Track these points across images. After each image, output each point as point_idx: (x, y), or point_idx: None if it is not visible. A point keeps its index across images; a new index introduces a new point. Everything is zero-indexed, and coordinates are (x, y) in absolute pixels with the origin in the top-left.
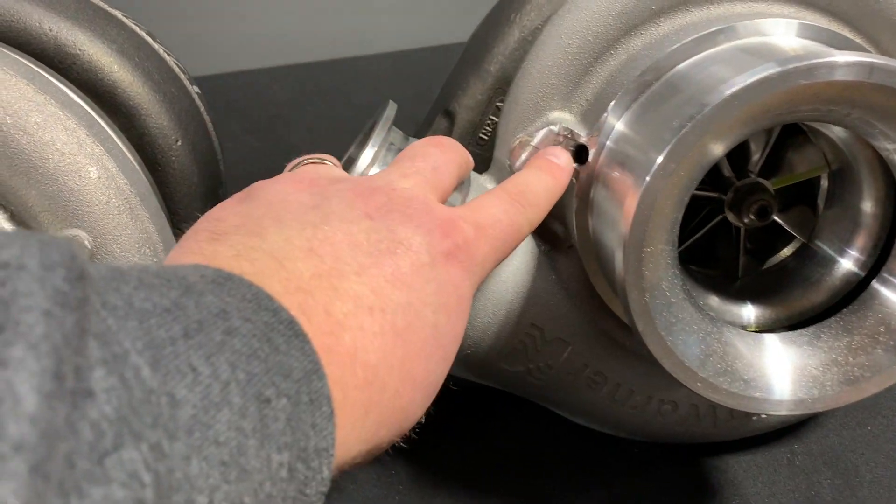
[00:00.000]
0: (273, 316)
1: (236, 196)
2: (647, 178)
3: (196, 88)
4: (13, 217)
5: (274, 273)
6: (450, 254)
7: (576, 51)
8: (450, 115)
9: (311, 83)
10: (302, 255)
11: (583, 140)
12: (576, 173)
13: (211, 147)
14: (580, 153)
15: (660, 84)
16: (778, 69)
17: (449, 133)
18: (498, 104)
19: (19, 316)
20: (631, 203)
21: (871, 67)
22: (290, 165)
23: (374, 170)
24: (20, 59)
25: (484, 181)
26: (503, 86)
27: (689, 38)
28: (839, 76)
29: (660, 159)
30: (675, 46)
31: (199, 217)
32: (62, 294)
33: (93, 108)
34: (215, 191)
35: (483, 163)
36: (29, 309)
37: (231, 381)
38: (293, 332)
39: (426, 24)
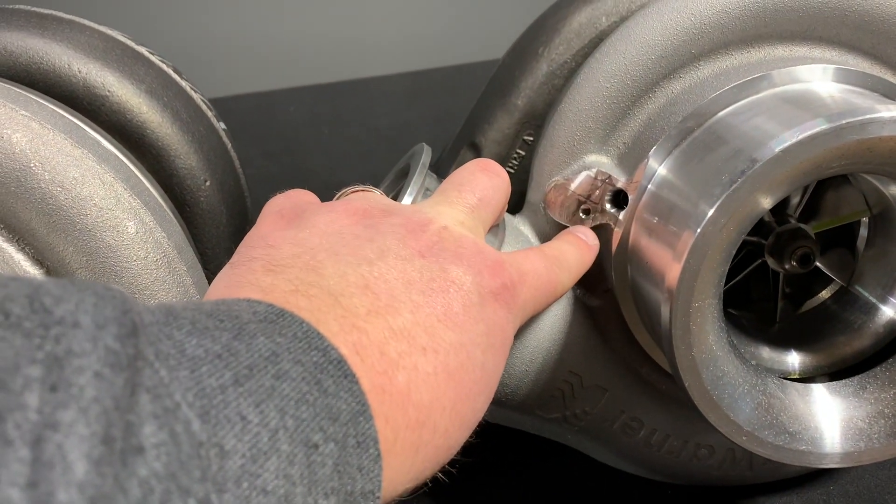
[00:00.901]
0: (323, 356)
1: (285, 214)
2: (698, 231)
3: (222, 125)
4: (49, 272)
5: (330, 310)
6: (497, 294)
7: (614, 94)
8: (476, 148)
9: (326, 105)
10: (358, 292)
11: (621, 185)
12: (614, 218)
13: (238, 185)
14: (618, 198)
15: (702, 131)
16: (828, 125)
17: None
18: (525, 138)
19: (72, 377)
20: (679, 257)
21: None
22: (339, 195)
23: None
24: (57, 109)
25: (517, 222)
26: (530, 119)
27: (731, 85)
28: (888, 132)
29: (711, 212)
30: (716, 93)
31: (225, 259)
32: (114, 354)
33: (123, 153)
34: (243, 229)
35: (512, 197)
36: (81, 370)
37: (279, 428)
38: (342, 372)
39: (442, 43)
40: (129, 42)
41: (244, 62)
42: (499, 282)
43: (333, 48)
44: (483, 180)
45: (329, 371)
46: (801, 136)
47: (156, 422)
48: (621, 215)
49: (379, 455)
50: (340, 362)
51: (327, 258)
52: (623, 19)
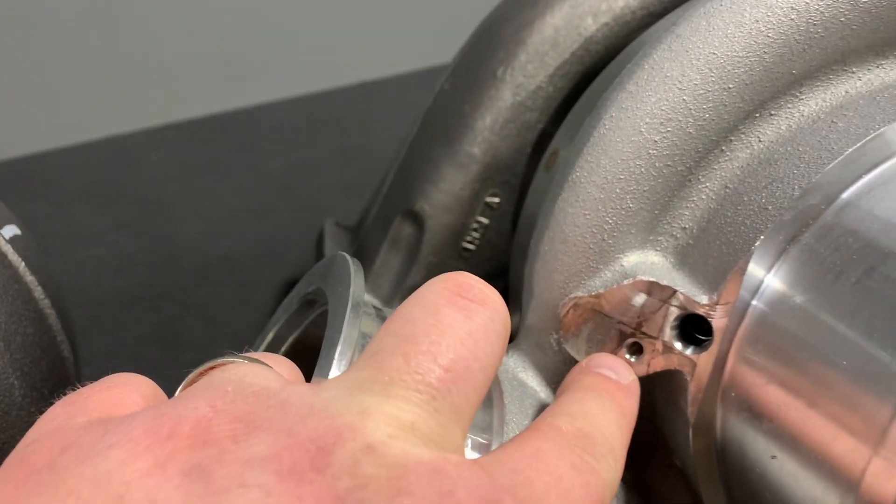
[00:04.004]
0: None
1: (28, 461)
2: None
3: (8, 232)
4: None
5: None
6: None
7: (667, 150)
8: (416, 218)
9: (198, 146)
10: None
11: (703, 307)
12: (688, 363)
13: (43, 325)
14: (691, 326)
15: (837, 219)
16: None
17: (418, 244)
18: (488, 200)
19: None
20: (893, 475)
21: None
22: (184, 383)
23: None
24: None
25: (513, 366)
26: (493, 174)
27: (871, 136)
28: None
29: None
30: (851, 150)
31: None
32: None
33: None
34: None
35: None
36: None
37: None
38: None
39: (346, 57)
40: None
41: (78, 99)
42: None
43: (203, 71)
44: (455, 324)
45: None
46: None
47: None
48: (701, 357)
49: None
50: None
51: None
52: (619, 20)
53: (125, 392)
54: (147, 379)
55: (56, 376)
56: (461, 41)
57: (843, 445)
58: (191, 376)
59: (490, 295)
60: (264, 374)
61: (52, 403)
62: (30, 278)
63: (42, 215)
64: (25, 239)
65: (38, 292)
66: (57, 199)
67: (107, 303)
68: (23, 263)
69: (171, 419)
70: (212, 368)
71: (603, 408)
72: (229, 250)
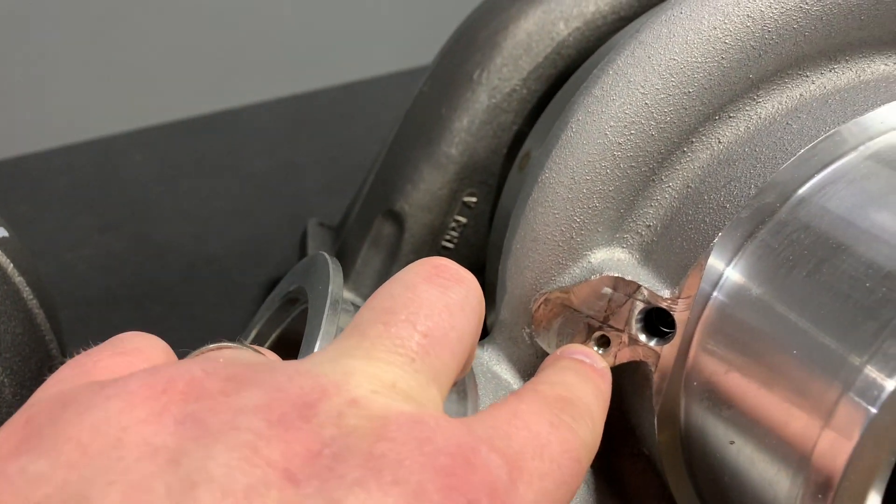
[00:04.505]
0: None
1: (33, 418)
2: (874, 412)
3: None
4: None
5: None
6: None
7: (631, 152)
8: (396, 218)
9: (182, 148)
10: None
11: (666, 301)
12: (653, 354)
13: (31, 325)
14: (654, 319)
15: (792, 216)
16: None
17: (398, 243)
18: (466, 199)
19: None
20: (849, 434)
21: None
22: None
23: None
24: None
25: (487, 359)
26: (470, 174)
27: (822, 137)
28: None
29: (892, 386)
30: (803, 151)
31: None
32: None
33: None
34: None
35: None
36: None
37: None
38: None
39: (329, 57)
40: None
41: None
42: (465, 501)
43: (187, 72)
44: (433, 298)
45: None
46: None
47: None
48: (664, 348)
49: None
50: None
51: None
52: (590, 25)
53: (135, 360)
54: (159, 342)
55: (45, 374)
56: (441, 43)
57: (794, 428)
58: (190, 355)
59: (465, 275)
60: (254, 355)
61: None
62: (18, 279)
63: (28, 217)
64: (13, 241)
65: (27, 293)
66: (42, 200)
67: (93, 303)
68: (11, 265)
69: (165, 377)
70: (208, 351)
71: (581, 379)
72: (214, 250)
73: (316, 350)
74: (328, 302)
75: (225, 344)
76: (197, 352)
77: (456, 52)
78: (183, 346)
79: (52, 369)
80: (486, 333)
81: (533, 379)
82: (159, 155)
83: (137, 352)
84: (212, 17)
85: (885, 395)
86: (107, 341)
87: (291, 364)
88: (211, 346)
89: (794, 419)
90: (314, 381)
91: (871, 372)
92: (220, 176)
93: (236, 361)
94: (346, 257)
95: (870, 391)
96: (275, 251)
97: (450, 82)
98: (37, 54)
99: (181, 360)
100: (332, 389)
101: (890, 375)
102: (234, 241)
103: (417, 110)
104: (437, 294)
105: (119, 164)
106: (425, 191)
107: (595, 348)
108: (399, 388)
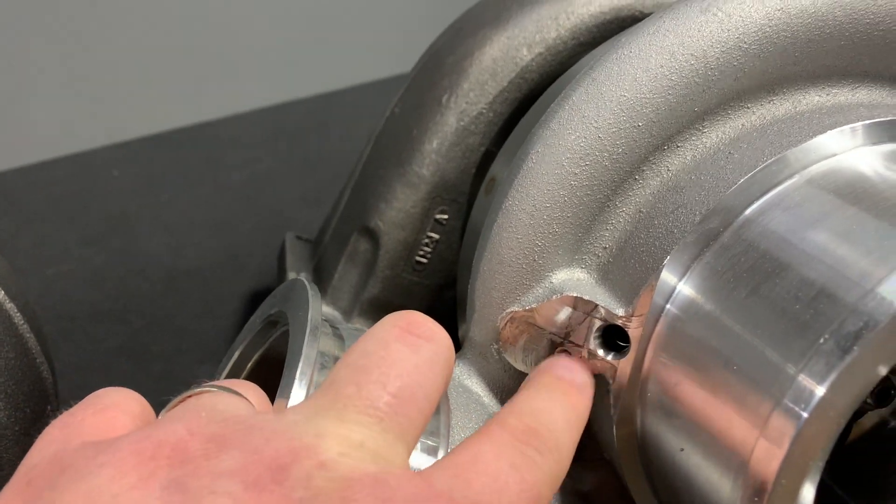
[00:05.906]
0: None
1: (32, 482)
2: (805, 416)
3: (9, 303)
4: None
5: None
6: None
7: (586, 181)
8: (371, 235)
9: (161, 161)
10: None
11: (621, 318)
12: (610, 368)
13: (24, 353)
14: (613, 336)
15: (735, 239)
16: None
17: (374, 259)
18: (437, 217)
19: None
20: (779, 441)
21: None
22: (167, 408)
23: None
24: None
25: (459, 373)
26: (441, 193)
27: (760, 167)
28: None
29: (821, 392)
30: (743, 179)
31: None
32: None
33: None
34: (40, 418)
35: (427, 294)
36: None
37: None
38: None
39: (304, 69)
40: None
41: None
42: None
43: (164, 85)
44: (403, 358)
45: None
46: None
47: None
48: (621, 362)
49: None
50: None
51: None
52: (552, 50)
53: (116, 414)
54: (134, 395)
55: (37, 396)
56: (417, 53)
57: (735, 436)
58: (172, 403)
59: (437, 332)
60: (234, 401)
61: (34, 421)
62: (9, 305)
63: (8, 232)
64: (2, 265)
65: (18, 318)
66: (23, 216)
67: (77, 317)
68: (2, 292)
69: (153, 442)
70: (189, 397)
71: (553, 403)
72: (194, 262)
73: (297, 375)
74: (308, 328)
75: (205, 388)
76: (177, 399)
77: (425, 77)
78: (167, 358)
79: (44, 397)
80: (457, 348)
81: (507, 405)
82: (138, 168)
83: (116, 406)
84: (188, 30)
85: (813, 404)
86: (85, 399)
87: (269, 422)
88: (191, 391)
89: (734, 428)
90: (288, 444)
91: (803, 381)
92: (198, 188)
93: (217, 417)
94: (323, 272)
95: (800, 400)
96: (254, 262)
97: (420, 105)
98: (13, 70)
99: (167, 418)
100: (304, 452)
101: (819, 384)
102: (214, 253)
103: (389, 132)
104: (408, 353)
105: (98, 178)
106: (399, 209)
107: None
108: (367, 447)
